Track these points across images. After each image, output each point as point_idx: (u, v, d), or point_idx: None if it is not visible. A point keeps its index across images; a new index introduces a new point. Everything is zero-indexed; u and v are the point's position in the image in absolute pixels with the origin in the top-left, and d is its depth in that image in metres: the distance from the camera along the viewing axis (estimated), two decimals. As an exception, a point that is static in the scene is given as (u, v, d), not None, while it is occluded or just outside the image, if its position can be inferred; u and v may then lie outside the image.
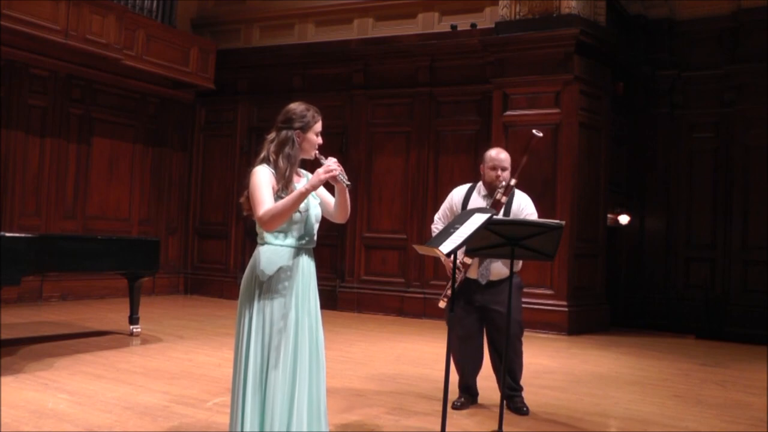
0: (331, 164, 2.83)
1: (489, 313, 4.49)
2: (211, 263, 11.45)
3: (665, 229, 10.63)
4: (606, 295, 9.51)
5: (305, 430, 2.84)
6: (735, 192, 9.95)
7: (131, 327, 6.87)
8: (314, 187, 2.82)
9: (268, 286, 2.87)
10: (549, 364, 6.41)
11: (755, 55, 9.67)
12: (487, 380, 4.75)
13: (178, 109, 11.39)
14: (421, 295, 9.61)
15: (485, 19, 9.60)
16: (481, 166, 4.63)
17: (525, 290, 5.33)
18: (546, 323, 8.36)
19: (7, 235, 5.28)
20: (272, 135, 2.98)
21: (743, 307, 9.60)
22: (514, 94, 8.99)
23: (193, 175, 11.68)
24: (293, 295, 2.89)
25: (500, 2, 9.17)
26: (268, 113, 10.97)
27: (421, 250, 3.46)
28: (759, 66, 9.59)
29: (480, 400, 4.72)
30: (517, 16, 9.01)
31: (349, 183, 2.90)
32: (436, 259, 8.81)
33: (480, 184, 4.65)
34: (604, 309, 9.39)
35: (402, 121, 10.08)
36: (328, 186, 2.97)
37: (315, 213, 2.99)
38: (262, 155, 2.96)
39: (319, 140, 2.99)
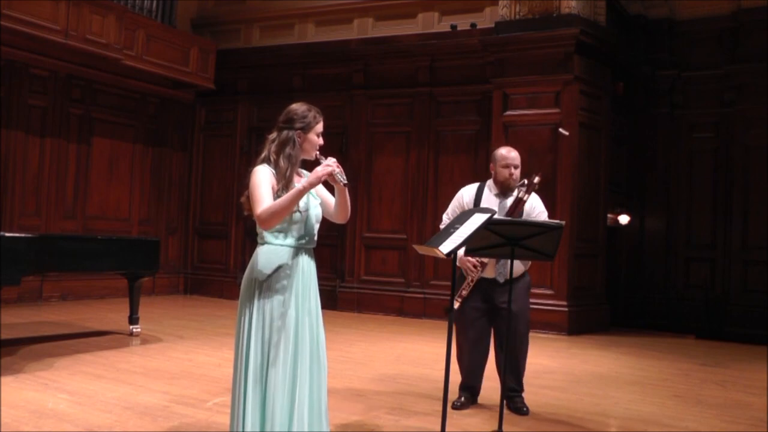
0: (329, 162, 2.84)
1: (501, 312, 4.45)
2: (211, 263, 11.45)
3: (665, 229, 10.63)
4: (606, 295, 9.51)
5: (306, 429, 2.83)
6: (735, 192, 9.95)
7: (131, 327, 6.87)
8: (312, 185, 2.82)
9: (267, 285, 2.87)
10: (549, 364, 6.41)
11: (755, 55, 9.67)
12: (487, 380, 4.75)
13: (178, 109, 11.39)
14: (421, 295, 9.61)
15: (485, 19, 9.60)
16: (491, 165, 4.60)
17: (525, 290, 5.34)
18: (546, 323, 8.36)
19: (7, 235, 5.28)
20: (273, 135, 2.98)
21: (743, 307, 9.60)
22: (514, 94, 8.99)
23: (193, 175, 11.68)
24: (293, 294, 2.89)
25: (500, 2, 9.17)
26: (268, 113, 10.98)
27: (421, 250, 3.46)
28: (759, 66, 9.59)
29: (480, 400, 4.72)
30: (517, 16, 9.01)
31: (346, 182, 2.89)
32: (436, 259, 8.83)
33: (489, 182, 4.63)
34: (604, 309, 9.39)
35: (402, 121, 10.08)
36: (329, 186, 2.97)
37: (315, 213, 2.99)
38: (263, 155, 2.96)
39: (321, 141, 2.99)
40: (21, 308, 8.41)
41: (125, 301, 7.11)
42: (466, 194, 4.64)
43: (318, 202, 3.02)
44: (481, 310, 4.50)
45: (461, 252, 4.05)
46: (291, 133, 2.94)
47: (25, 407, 4.14)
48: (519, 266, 4.47)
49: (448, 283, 4.23)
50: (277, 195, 2.85)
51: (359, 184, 10.04)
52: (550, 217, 4.62)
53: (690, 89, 10.52)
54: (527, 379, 4.76)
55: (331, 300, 9.88)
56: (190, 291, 11.47)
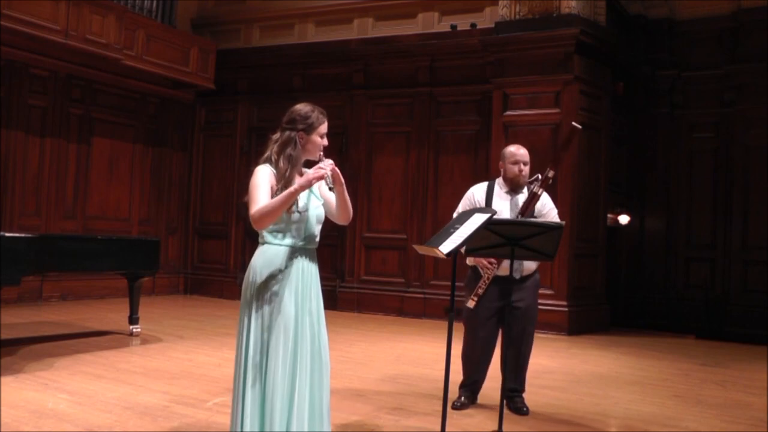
0: (324, 165, 2.83)
1: (513, 311, 4.45)
2: (211, 263, 11.45)
3: (665, 229, 10.63)
4: (606, 295, 9.51)
5: (306, 430, 2.83)
6: (735, 192, 9.95)
7: (131, 327, 6.87)
8: (303, 188, 2.81)
9: (265, 285, 2.87)
10: (549, 364, 6.41)
11: (755, 55, 9.67)
12: (487, 380, 4.74)
13: (178, 109, 11.39)
14: (421, 295, 9.61)
15: (485, 19, 9.60)
16: (500, 163, 4.62)
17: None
18: (546, 323, 8.34)
19: (7, 235, 5.28)
20: (276, 135, 2.99)
21: (743, 307, 9.60)
22: (514, 94, 8.99)
23: (193, 175, 11.68)
24: (292, 294, 2.89)
25: (500, 2, 9.17)
26: (268, 113, 11.00)
27: (421, 250, 3.46)
28: (759, 66, 9.59)
29: (480, 400, 4.72)
30: (517, 16, 9.01)
31: (331, 186, 2.87)
32: (436, 259, 8.82)
33: (499, 180, 4.64)
34: (604, 309, 9.39)
35: (402, 121, 10.08)
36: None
37: (317, 213, 2.98)
38: (265, 154, 2.97)
39: (324, 142, 2.98)
40: (21, 308, 8.41)
41: (125, 301, 7.11)
42: (477, 192, 4.64)
43: (320, 203, 3.02)
44: (493, 309, 4.50)
45: None
46: (293, 133, 2.94)
47: (25, 407, 4.14)
48: (531, 264, 4.50)
49: (448, 283, 4.22)
50: (275, 195, 2.85)
51: (359, 184, 10.04)
52: None
53: (690, 89, 10.52)
54: (527, 379, 4.76)
55: (331, 300, 9.88)
56: (190, 291, 11.47)
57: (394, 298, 9.83)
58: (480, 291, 4.40)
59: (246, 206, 2.92)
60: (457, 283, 3.50)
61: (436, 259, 8.55)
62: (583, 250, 8.84)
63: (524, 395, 4.65)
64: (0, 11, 7.98)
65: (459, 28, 9.67)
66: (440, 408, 3.42)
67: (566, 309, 8.48)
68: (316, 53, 10.67)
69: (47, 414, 4.04)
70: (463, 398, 4.63)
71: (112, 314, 8.20)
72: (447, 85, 9.78)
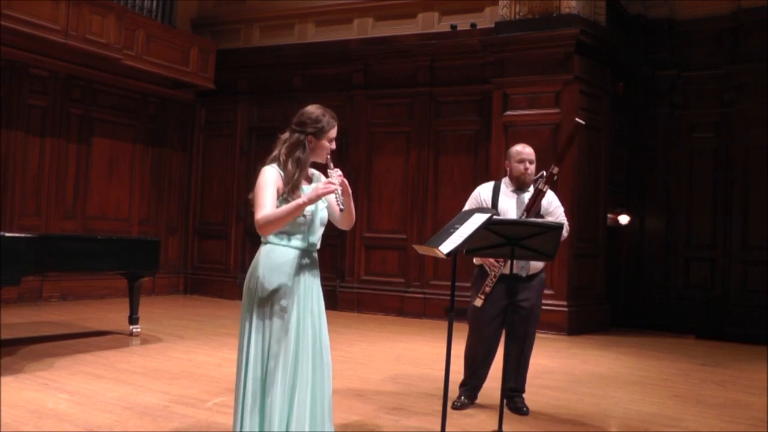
0: (334, 179, 2.84)
1: (519, 311, 4.46)
2: (211, 263, 11.45)
3: (665, 229, 10.63)
4: (606, 295, 9.51)
5: (307, 430, 2.83)
6: (735, 192, 9.95)
7: (131, 327, 6.87)
8: (311, 201, 2.82)
9: (269, 285, 2.87)
10: (549, 364, 6.41)
11: (755, 55, 9.67)
12: (487, 380, 4.74)
13: (178, 109, 11.39)
14: (421, 295, 9.61)
15: (485, 19, 9.60)
16: (506, 162, 4.65)
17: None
18: (546, 323, 8.33)
19: (7, 235, 5.28)
20: (285, 135, 2.98)
21: (743, 307, 9.60)
22: (514, 94, 8.99)
23: (193, 175, 11.68)
24: (294, 295, 2.89)
25: (500, 2, 9.17)
26: (268, 113, 11.01)
27: (421, 250, 3.46)
28: (759, 66, 9.59)
29: (480, 400, 4.72)
30: (517, 16, 9.01)
31: (343, 207, 2.90)
32: (436, 259, 8.82)
33: (505, 179, 4.66)
34: (604, 309, 9.39)
35: (402, 121, 10.08)
36: None
37: (321, 216, 2.99)
38: (273, 154, 2.96)
39: (333, 146, 2.99)
40: (21, 308, 8.41)
41: (125, 301, 7.11)
42: (483, 192, 4.66)
43: (325, 206, 3.02)
44: (499, 308, 4.50)
45: None
46: (302, 137, 2.93)
47: (25, 407, 4.14)
48: (539, 263, 4.50)
49: (448, 283, 4.22)
50: (283, 198, 2.86)
51: (359, 184, 10.04)
52: None
53: (690, 89, 10.52)
54: (527, 379, 4.76)
55: (331, 300, 9.87)
56: (190, 291, 11.47)
57: (394, 298, 9.83)
58: (487, 289, 4.40)
59: (250, 204, 2.91)
60: (456, 283, 3.50)
61: (436, 259, 8.55)
62: (583, 250, 8.84)
63: (524, 395, 4.65)
64: (0, 11, 7.98)
65: (459, 28, 9.67)
66: (440, 408, 3.42)
67: (566, 309, 8.48)
68: (316, 53, 10.67)
69: (47, 414, 4.04)
70: (463, 398, 4.63)
71: (112, 314, 8.19)
72: (447, 85, 9.78)
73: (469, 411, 4.56)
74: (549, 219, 4.45)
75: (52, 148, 9.48)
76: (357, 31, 10.59)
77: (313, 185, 2.98)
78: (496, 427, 3.83)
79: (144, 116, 10.86)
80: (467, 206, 4.64)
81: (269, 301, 2.86)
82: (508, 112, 9.00)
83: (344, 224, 3.09)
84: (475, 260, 4.55)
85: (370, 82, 10.33)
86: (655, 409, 4.86)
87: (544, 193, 4.40)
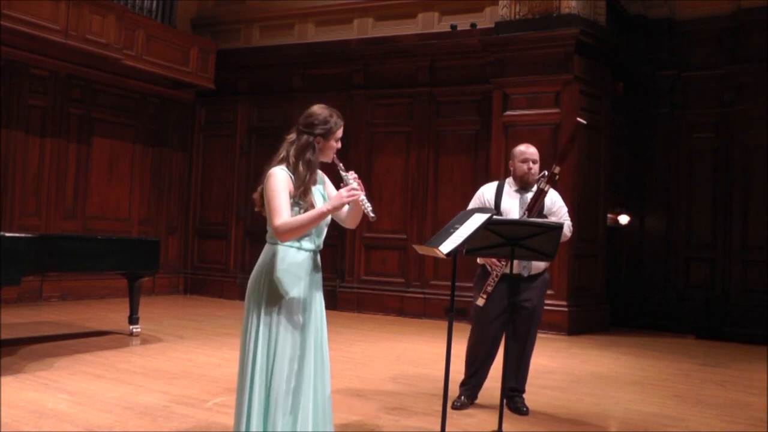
0: (355, 185, 2.83)
1: (521, 311, 4.47)
2: (211, 263, 11.45)
3: (665, 229, 10.63)
4: (606, 295, 9.51)
5: (311, 430, 2.84)
6: (735, 192, 9.95)
7: (131, 327, 6.87)
8: (336, 209, 2.82)
9: (284, 287, 2.85)
10: (549, 364, 6.41)
11: (755, 55, 9.67)
12: (487, 380, 4.74)
13: (178, 109, 11.39)
14: (421, 295, 9.61)
15: (485, 19, 9.60)
16: (510, 162, 4.65)
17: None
18: (546, 323, 8.29)
19: (7, 235, 5.28)
20: (292, 136, 2.96)
21: (743, 307, 9.60)
22: (514, 94, 8.99)
23: (193, 175, 11.68)
24: (301, 296, 2.89)
25: (500, 2, 9.17)
26: (268, 113, 11.01)
27: (421, 250, 3.46)
28: (759, 66, 9.59)
29: (480, 400, 4.71)
30: (517, 16, 9.01)
31: (374, 216, 2.90)
32: (436, 259, 8.82)
33: (509, 179, 4.67)
34: (604, 309, 9.39)
35: (402, 121, 10.08)
36: (337, 185, 2.97)
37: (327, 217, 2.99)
38: (281, 155, 2.93)
39: (338, 145, 2.99)
40: (21, 308, 8.41)
41: (125, 301, 7.11)
42: (486, 192, 4.66)
43: None
44: (501, 308, 4.49)
45: None
46: (311, 138, 2.92)
47: (25, 407, 4.14)
48: (541, 263, 4.50)
49: (448, 283, 4.23)
50: (294, 201, 2.84)
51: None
52: None
53: (690, 89, 10.52)
54: (527, 379, 4.76)
55: (332, 300, 9.87)
56: (190, 291, 11.47)
57: (394, 298, 9.83)
58: (489, 289, 4.40)
59: (254, 204, 2.90)
60: (456, 283, 3.50)
61: (436, 259, 8.55)
62: (583, 250, 8.84)
63: (524, 395, 4.65)
64: (0, 11, 7.98)
65: (459, 28, 9.67)
66: (440, 408, 3.42)
67: (566, 309, 8.48)
68: (316, 53, 10.67)
69: (47, 414, 4.04)
70: (463, 398, 4.63)
71: (112, 314, 8.19)
72: (447, 85, 9.78)
73: (469, 411, 4.56)
74: (552, 219, 4.45)
75: (52, 148, 9.48)
76: (357, 31, 10.59)
77: (320, 186, 2.99)
78: (496, 427, 3.83)
79: (144, 116, 10.86)
80: (471, 206, 4.64)
81: (279, 303, 2.85)
82: (508, 112, 9.00)
83: (349, 224, 3.09)
84: (478, 259, 4.56)
85: (370, 82, 10.33)
86: (655, 409, 4.86)
87: (546, 192, 4.40)
